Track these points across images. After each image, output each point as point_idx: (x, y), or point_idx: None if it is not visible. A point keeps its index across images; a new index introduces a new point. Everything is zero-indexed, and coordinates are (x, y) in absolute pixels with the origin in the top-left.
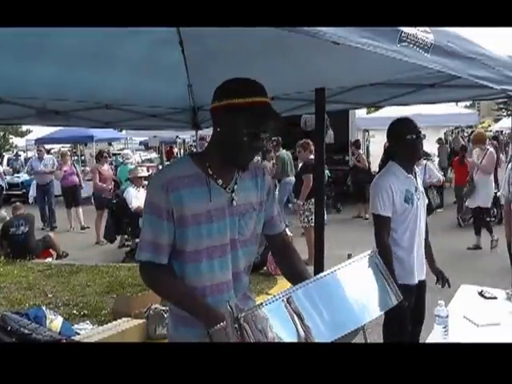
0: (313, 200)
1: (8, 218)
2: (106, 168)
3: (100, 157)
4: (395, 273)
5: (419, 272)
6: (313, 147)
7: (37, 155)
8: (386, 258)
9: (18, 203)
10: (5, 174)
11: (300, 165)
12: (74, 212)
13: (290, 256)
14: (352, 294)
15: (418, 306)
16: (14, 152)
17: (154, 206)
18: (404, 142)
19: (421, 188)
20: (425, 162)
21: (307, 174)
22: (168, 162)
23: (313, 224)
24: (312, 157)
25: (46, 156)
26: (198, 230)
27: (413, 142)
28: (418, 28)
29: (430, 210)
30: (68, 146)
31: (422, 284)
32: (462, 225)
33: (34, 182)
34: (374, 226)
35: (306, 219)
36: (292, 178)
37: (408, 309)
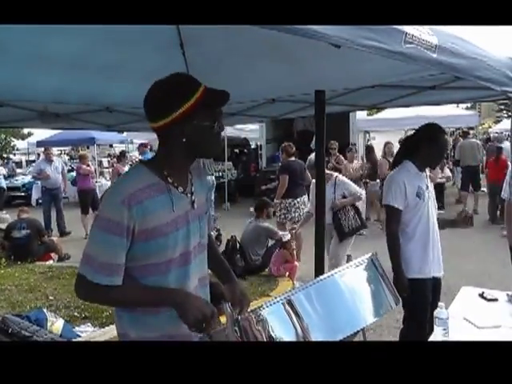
0: (289, 200)
1: (11, 220)
2: (126, 169)
3: (122, 157)
4: (409, 266)
5: (435, 268)
6: (294, 149)
7: (44, 158)
8: (393, 247)
9: (24, 207)
10: (6, 177)
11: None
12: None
13: (216, 255)
14: (352, 297)
15: (434, 304)
16: (13, 155)
17: (113, 224)
18: (437, 145)
19: (431, 188)
20: (335, 174)
21: (283, 175)
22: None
23: (286, 221)
24: (292, 158)
25: (54, 158)
26: (164, 241)
27: (445, 147)
28: (421, 30)
29: (343, 233)
30: (68, 148)
31: (437, 281)
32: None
33: (37, 184)
34: (385, 217)
35: (282, 216)
36: None
37: (427, 305)
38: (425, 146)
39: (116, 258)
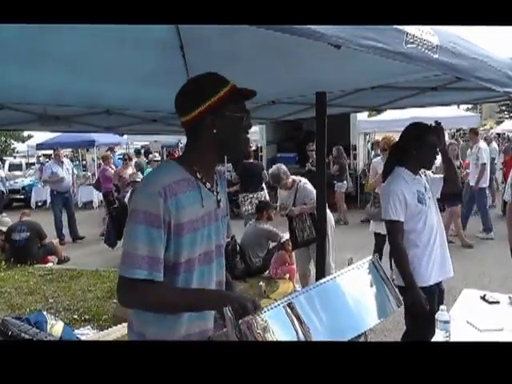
0: (243, 194)
1: (11, 223)
2: (129, 172)
3: (125, 160)
4: (414, 274)
5: (442, 272)
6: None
7: (54, 160)
8: (402, 263)
9: (26, 210)
10: (7, 179)
11: None
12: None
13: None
14: (353, 300)
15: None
16: (13, 158)
17: (150, 216)
18: (426, 144)
19: (428, 186)
20: (297, 180)
21: (236, 175)
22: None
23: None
24: (250, 160)
25: (64, 160)
26: (193, 237)
27: (435, 144)
28: (422, 29)
29: (296, 243)
30: (69, 150)
31: (441, 285)
32: None
33: (37, 186)
34: (387, 233)
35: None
36: None
37: (433, 315)
38: (414, 147)
39: (155, 250)
